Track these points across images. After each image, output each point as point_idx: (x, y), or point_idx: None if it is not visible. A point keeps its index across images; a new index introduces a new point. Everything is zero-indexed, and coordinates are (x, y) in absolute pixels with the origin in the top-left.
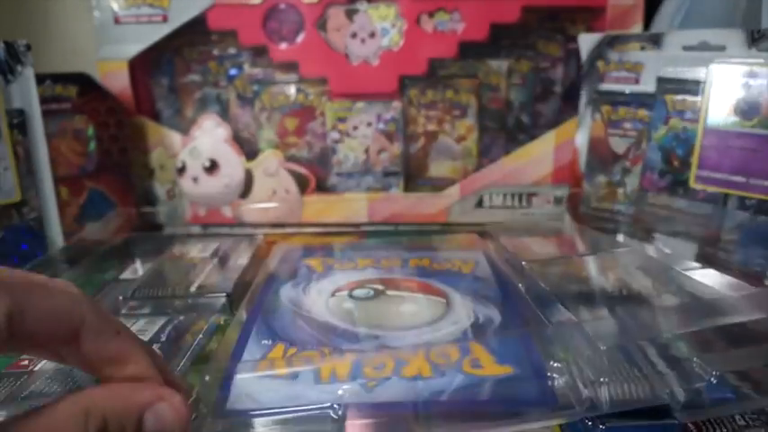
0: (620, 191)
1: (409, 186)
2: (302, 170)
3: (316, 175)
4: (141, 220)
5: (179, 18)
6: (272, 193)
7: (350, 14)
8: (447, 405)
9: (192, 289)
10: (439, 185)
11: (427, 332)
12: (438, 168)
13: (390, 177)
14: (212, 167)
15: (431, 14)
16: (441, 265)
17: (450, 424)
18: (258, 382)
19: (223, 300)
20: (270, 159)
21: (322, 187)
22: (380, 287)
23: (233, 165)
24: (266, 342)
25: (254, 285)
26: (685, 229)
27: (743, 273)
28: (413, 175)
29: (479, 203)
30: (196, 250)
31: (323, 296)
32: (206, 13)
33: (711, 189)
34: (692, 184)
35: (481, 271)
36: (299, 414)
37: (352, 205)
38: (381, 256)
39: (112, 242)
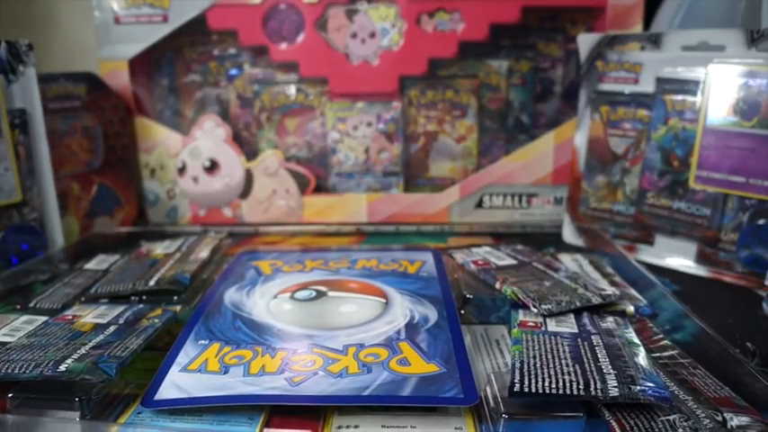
0: (620, 191)
1: (409, 186)
2: (302, 170)
3: (316, 175)
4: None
5: (179, 18)
6: (272, 193)
7: (350, 14)
8: (366, 399)
9: (152, 283)
10: (439, 185)
11: (360, 332)
12: (438, 168)
13: (390, 177)
14: (212, 167)
15: (431, 14)
16: (387, 266)
17: (368, 417)
18: (190, 376)
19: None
20: (270, 159)
21: (322, 187)
22: (323, 288)
23: (233, 165)
24: (203, 342)
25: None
26: (685, 229)
27: (743, 273)
28: (413, 175)
29: (479, 203)
30: (161, 247)
31: (265, 298)
32: (206, 13)
33: (711, 189)
34: (692, 184)
35: (426, 270)
36: (221, 404)
37: (352, 205)
38: (330, 258)
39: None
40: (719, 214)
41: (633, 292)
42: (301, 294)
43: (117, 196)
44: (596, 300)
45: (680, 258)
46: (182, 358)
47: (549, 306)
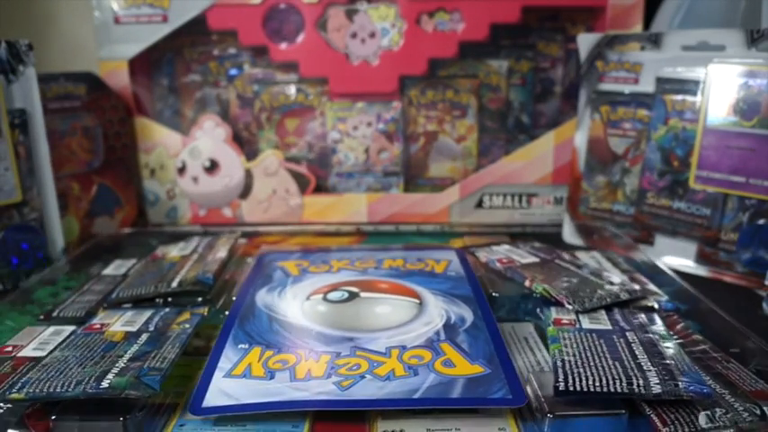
0: (620, 191)
1: (409, 186)
2: (302, 170)
3: (316, 175)
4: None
5: (179, 18)
6: (272, 193)
7: (350, 14)
8: (418, 403)
9: (174, 284)
10: (439, 185)
11: (399, 333)
12: (438, 168)
13: (390, 177)
14: (212, 167)
15: (431, 14)
16: (414, 266)
17: (412, 421)
18: (235, 382)
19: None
20: (270, 159)
21: (322, 187)
22: (355, 289)
23: (233, 165)
24: (243, 346)
25: (232, 291)
26: (685, 229)
27: (743, 273)
28: (413, 175)
29: (479, 203)
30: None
31: (298, 300)
32: (206, 13)
33: (711, 189)
34: (692, 184)
35: (454, 270)
36: (273, 410)
37: (353, 205)
38: (356, 258)
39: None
40: (719, 214)
41: (653, 287)
42: (334, 296)
43: (117, 196)
44: (624, 295)
45: (680, 258)
46: (224, 363)
47: (583, 303)
